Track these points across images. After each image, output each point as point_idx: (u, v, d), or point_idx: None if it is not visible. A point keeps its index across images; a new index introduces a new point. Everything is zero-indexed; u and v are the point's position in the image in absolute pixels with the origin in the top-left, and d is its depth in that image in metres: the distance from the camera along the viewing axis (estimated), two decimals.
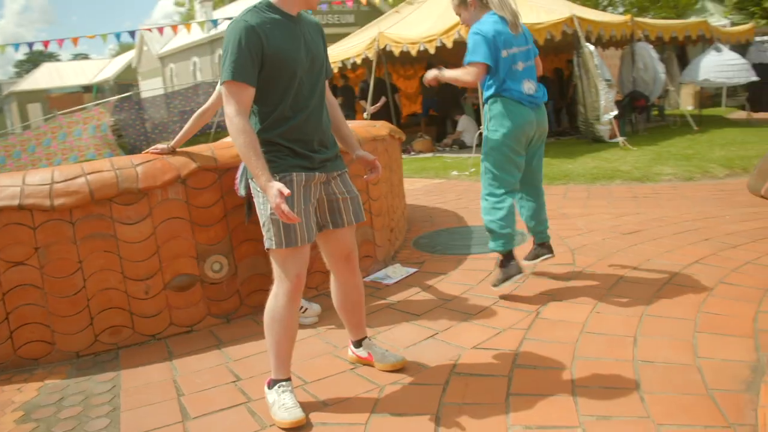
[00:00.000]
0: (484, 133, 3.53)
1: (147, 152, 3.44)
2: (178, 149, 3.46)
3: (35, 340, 3.19)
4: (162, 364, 3.07)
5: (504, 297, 3.56)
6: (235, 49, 2.15)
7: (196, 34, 24.30)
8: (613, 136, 10.29)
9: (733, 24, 15.27)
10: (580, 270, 3.93)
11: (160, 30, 12.16)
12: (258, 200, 2.33)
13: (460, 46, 10.63)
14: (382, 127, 4.72)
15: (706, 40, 12.54)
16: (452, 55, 12.44)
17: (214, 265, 3.52)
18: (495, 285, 3.55)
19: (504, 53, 3.34)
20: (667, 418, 2.21)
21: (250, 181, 2.38)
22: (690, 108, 14.79)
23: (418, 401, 2.47)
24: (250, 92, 2.20)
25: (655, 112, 13.70)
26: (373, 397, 2.54)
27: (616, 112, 10.05)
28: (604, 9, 21.94)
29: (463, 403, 2.42)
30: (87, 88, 37.52)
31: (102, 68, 44.14)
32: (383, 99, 11.89)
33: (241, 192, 3.30)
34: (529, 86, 3.43)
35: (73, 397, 2.80)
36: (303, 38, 2.32)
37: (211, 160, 3.47)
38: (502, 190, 3.49)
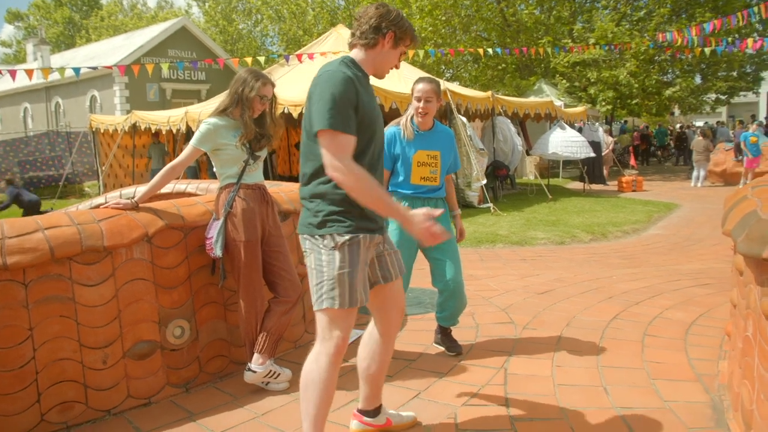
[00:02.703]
0: None
1: (107, 207, 3.18)
2: (141, 205, 3.24)
3: None
4: None
5: (465, 354, 3.71)
6: (340, 100, 2.12)
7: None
8: (480, 201, 11.13)
9: (566, 106, 17.39)
10: (522, 328, 4.21)
11: (12, 73, 11.09)
12: (319, 258, 2.25)
13: None
14: None
15: (551, 118, 14.15)
16: None
17: (176, 330, 3.28)
18: None
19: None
20: None
21: (307, 238, 2.28)
22: (533, 177, 16.41)
23: None
24: (354, 143, 2.19)
25: (507, 181, 15.01)
26: None
27: (485, 181, 10.90)
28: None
29: None
30: None
31: None
32: None
33: (217, 252, 3.16)
34: None
35: None
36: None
37: (178, 218, 3.28)
38: None
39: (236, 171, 3.22)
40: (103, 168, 14.73)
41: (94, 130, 14.95)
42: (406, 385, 3.31)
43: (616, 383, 3.22)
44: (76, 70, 11.46)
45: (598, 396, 3.07)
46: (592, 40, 18.06)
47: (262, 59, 13.79)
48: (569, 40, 19.80)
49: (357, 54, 2.36)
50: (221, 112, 3.25)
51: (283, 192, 3.98)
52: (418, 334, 4.15)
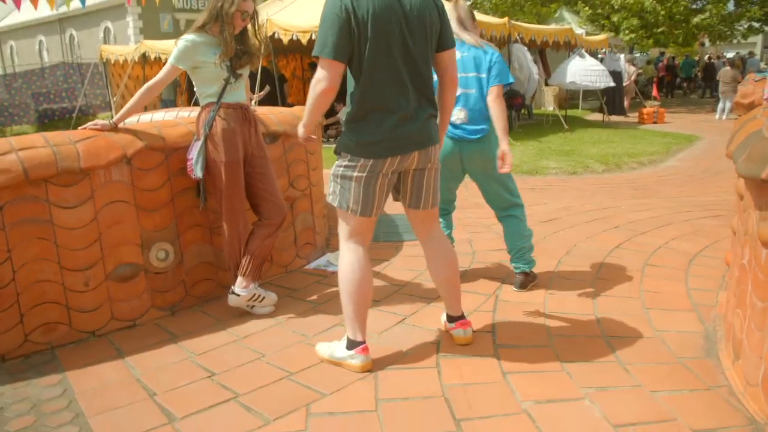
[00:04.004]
0: None
1: (85, 128, 3.07)
2: (120, 126, 3.13)
3: None
4: (113, 363, 2.76)
5: None
6: None
7: (44, 10, 22.10)
8: None
9: (588, 34, 16.70)
10: None
11: (17, 3, 10.83)
12: None
13: None
14: None
15: (570, 46, 13.59)
16: None
17: (159, 253, 3.23)
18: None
19: None
20: (657, 386, 2.39)
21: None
22: (551, 108, 15.96)
23: (420, 385, 2.45)
24: None
25: (523, 111, 14.60)
26: (372, 383, 2.48)
27: None
28: None
29: (465, 384, 2.45)
30: None
31: None
32: (267, 87, 11.59)
33: (198, 173, 3.06)
34: (458, 115, 3.24)
35: (18, 406, 2.43)
36: None
37: (159, 139, 3.18)
38: None
39: (216, 90, 3.08)
40: (115, 99, 14.60)
41: (104, 60, 14.73)
42: (392, 310, 3.25)
43: (608, 312, 3.13)
44: (82, 0, 11.15)
45: (588, 324, 2.99)
46: None
47: None
48: None
49: None
50: (199, 28, 3.09)
51: (273, 113, 3.84)
52: (413, 260, 4.07)
